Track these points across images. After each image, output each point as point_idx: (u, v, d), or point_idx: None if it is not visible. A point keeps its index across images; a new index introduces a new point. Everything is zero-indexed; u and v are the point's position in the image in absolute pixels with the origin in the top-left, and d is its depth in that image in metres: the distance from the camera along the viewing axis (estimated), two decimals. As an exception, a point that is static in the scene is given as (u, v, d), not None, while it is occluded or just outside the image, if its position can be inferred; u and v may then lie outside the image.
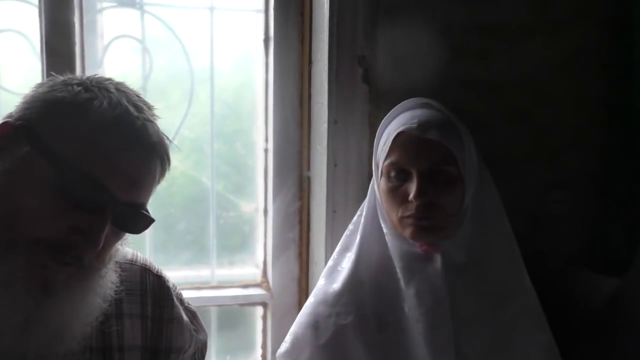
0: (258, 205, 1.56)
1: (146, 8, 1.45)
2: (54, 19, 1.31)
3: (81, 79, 0.82)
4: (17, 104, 0.81)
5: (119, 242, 0.83)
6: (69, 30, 1.32)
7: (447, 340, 1.13)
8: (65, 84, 0.80)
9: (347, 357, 1.16)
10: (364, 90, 1.38)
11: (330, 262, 1.27)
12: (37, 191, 0.74)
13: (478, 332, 1.15)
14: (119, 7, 1.43)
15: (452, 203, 1.14)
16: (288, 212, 1.50)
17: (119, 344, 0.89)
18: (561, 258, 1.51)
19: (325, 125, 1.38)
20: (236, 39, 1.53)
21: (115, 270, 0.85)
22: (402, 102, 1.21)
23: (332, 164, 1.38)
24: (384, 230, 1.20)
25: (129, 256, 0.95)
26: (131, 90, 0.84)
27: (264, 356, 1.56)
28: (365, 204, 1.25)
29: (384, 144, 1.16)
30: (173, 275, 1.02)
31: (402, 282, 1.16)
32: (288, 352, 1.20)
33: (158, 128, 0.83)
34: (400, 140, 1.13)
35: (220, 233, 1.55)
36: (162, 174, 0.84)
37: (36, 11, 1.32)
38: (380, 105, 1.37)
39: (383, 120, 1.22)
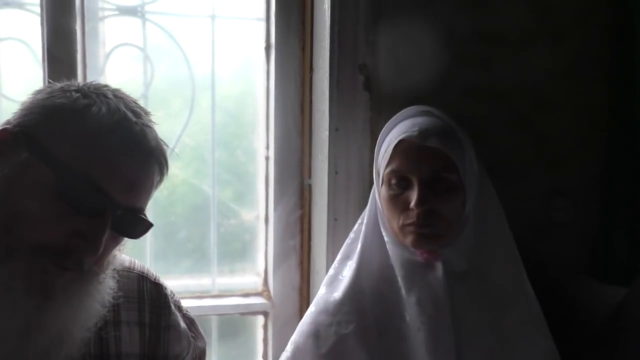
0: (259, 213, 1.56)
1: (148, 16, 1.45)
2: (56, 27, 1.31)
3: (79, 85, 0.82)
4: (15, 111, 0.81)
5: (117, 248, 0.84)
6: (71, 38, 1.33)
7: (449, 348, 1.12)
8: (64, 90, 0.81)
9: (349, 366, 1.15)
10: (365, 97, 1.38)
11: (331, 271, 1.26)
12: (37, 196, 0.75)
13: (480, 340, 1.15)
14: (121, 15, 1.44)
15: (453, 211, 1.13)
16: (289, 220, 1.49)
17: (117, 352, 0.89)
18: (563, 266, 1.50)
19: (327, 133, 1.38)
20: (237, 46, 1.54)
21: (113, 277, 0.85)
22: (403, 110, 1.21)
23: (333, 171, 1.38)
24: (385, 238, 1.19)
25: (127, 263, 0.95)
26: (128, 96, 0.84)
27: (264, 365, 1.55)
28: (366, 212, 1.25)
29: (385, 152, 1.16)
30: (173, 283, 1.02)
31: (403, 291, 1.16)
32: (289, 362, 1.19)
33: (156, 133, 0.83)
34: (401, 148, 1.13)
35: (221, 241, 1.55)
36: (161, 179, 0.84)
37: (38, 19, 1.32)
38: (381, 112, 1.37)
39: (384, 128, 1.22)
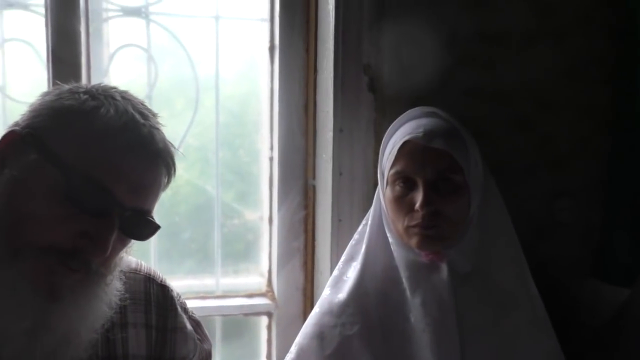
0: (263, 213, 1.56)
1: (152, 17, 1.45)
2: (60, 28, 1.31)
3: (87, 87, 0.83)
4: (24, 113, 0.81)
5: (124, 250, 0.84)
6: (75, 39, 1.33)
7: (454, 350, 1.12)
8: (72, 92, 0.81)
9: (353, 367, 1.16)
10: (369, 98, 1.38)
11: (335, 272, 1.26)
12: (44, 198, 0.75)
13: (484, 341, 1.15)
14: (125, 16, 1.44)
15: (458, 212, 1.13)
16: (293, 221, 1.50)
17: (124, 353, 0.90)
18: (566, 266, 1.50)
19: (331, 134, 1.38)
20: (241, 47, 1.54)
21: (120, 279, 0.86)
22: (408, 111, 1.21)
23: (337, 172, 1.38)
24: (390, 239, 1.19)
25: (133, 265, 0.95)
26: (136, 98, 0.85)
27: (268, 366, 1.56)
28: (371, 213, 1.25)
29: (390, 153, 1.16)
30: (177, 284, 1.02)
31: (408, 292, 1.16)
32: (293, 363, 1.20)
33: (164, 135, 0.84)
34: (405, 149, 1.13)
35: (225, 242, 1.55)
36: (168, 180, 0.85)
37: (42, 20, 1.32)
38: (385, 113, 1.37)
39: (388, 129, 1.22)
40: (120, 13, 1.44)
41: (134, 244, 0.86)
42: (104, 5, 1.42)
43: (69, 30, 1.32)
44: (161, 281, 0.97)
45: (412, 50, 1.38)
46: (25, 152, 0.76)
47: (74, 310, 0.77)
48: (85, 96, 0.80)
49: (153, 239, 1.47)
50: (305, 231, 1.50)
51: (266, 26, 1.50)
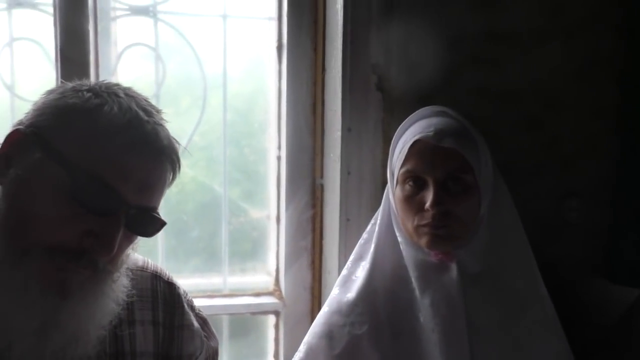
0: (270, 212, 1.56)
1: (159, 16, 1.45)
2: (69, 27, 1.32)
3: (90, 85, 0.82)
4: (27, 111, 0.81)
5: (131, 247, 0.84)
6: (83, 38, 1.33)
7: (463, 350, 1.12)
8: (75, 90, 0.81)
9: (362, 366, 1.16)
10: (377, 97, 1.38)
11: (344, 271, 1.26)
12: (50, 197, 0.75)
13: (494, 342, 1.15)
14: (133, 15, 1.44)
15: (468, 211, 1.13)
16: (301, 220, 1.50)
17: (132, 350, 0.90)
18: (575, 266, 1.50)
19: (339, 133, 1.38)
20: (248, 46, 1.53)
21: (127, 275, 0.86)
22: (418, 110, 1.21)
23: (345, 171, 1.38)
24: (399, 239, 1.19)
25: (140, 263, 0.95)
26: (140, 95, 0.84)
27: (276, 365, 1.56)
28: (380, 212, 1.25)
29: (400, 152, 1.16)
30: (184, 282, 1.02)
31: (417, 292, 1.16)
32: (302, 362, 1.20)
33: (168, 132, 0.83)
34: (416, 149, 1.13)
35: (232, 240, 1.55)
36: (173, 177, 0.84)
37: (51, 19, 1.33)
38: (394, 112, 1.37)
39: (398, 129, 1.21)
40: (128, 12, 1.44)
41: (141, 243, 0.86)
42: (112, 4, 1.42)
43: (77, 30, 1.32)
44: (168, 279, 0.97)
45: (420, 49, 1.38)
46: (29, 152, 0.76)
47: (82, 309, 0.77)
48: (89, 94, 0.79)
49: (160, 238, 1.48)
50: (313, 230, 1.50)
51: (274, 25, 1.50)
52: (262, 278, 1.58)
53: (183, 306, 0.97)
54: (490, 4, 1.43)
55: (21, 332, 0.75)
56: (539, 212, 1.47)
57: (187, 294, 1.00)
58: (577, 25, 1.49)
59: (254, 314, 1.54)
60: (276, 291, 1.55)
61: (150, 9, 1.45)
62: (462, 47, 1.41)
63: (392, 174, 1.19)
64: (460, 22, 1.41)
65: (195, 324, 0.98)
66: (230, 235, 1.54)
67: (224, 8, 1.49)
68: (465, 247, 1.15)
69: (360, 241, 1.27)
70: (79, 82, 0.83)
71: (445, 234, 1.12)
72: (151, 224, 0.82)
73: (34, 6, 1.38)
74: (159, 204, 0.83)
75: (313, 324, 1.23)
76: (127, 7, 1.43)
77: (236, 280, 1.56)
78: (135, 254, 0.92)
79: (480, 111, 1.39)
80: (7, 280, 0.74)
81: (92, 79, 1.34)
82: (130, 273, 0.88)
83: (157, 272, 0.96)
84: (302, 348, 1.21)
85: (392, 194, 1.19)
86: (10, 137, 0.79)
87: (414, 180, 1.13)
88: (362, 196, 1.38)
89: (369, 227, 1.27)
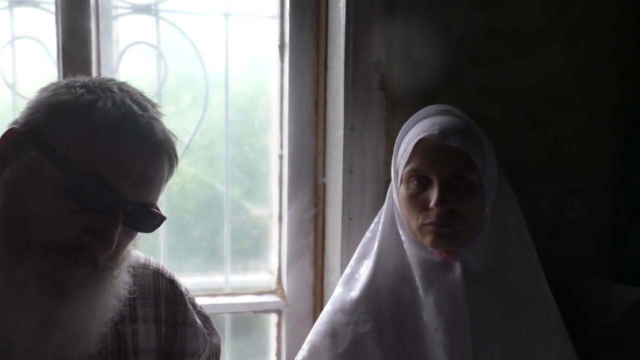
0: (272, 211, 1.56)
1: (161, 14, 1.45)
2: (70, 26, 1.31)
3: (84, 81, 0.81)
4: (22, 110, 0.81)
5: (131, 243, 0.83)
6: (85, 36, 1.33)
7: (466, 349, 1.12)
8: (68, 86, 0.80)
9: (366, 365, 1.15)
10: (380, 96, 1.38)
11: (347, 270, 1.26)
12: (46, 195, 0.74)
13: (497, 341, 1.15)
14: (135, 13, 1.44)
15: (473, 211, 1.13)
16: (303, 219, 1.49)
17: (134, 348, 0.89)
18: (578, 266, 1.50)
19: (341, 132, 1.38)
20: (251, 45, 1.53)
21: (129, 272, 0.85)
22: (423, 109, 1.21)
23: (347, 170, 1.38)
24: (403, 237, 1.19)
25: (142, 260, 0.95)
26: (134, 89, 0.83)
27: (278, 364, 1.56)
28: (383, 211, 1.25)
29: (404, 151, 1.15)
30: (186, 281, 1.02)
31: (420, 291, 1.16)
32: (305, 361, 1.20)
33: (163, 125, 0.82)
34: (421, 147, 1.13)
35: (234, 239, 1.55)
36: (170, 171, 0.83)
37: (53, 18, 1.32)
38: (396, 111, 1.37)
39: (403, 127, 1.21)
40: (130, 10, 1.44)
41: (143, 241, 0.86)
42: (114, 2, 1.42)
43: (79, 28, 1.32)
44: (170, 276, 0.97)
45: (423, 48, 1.38)
46: (25, 150, 0.76)
47: (83, 306, 0.77)
48: (82, 90, 0.79)
49: (162, 236, 1.48)
50: (315, 229, 1.50)
51: (276, 24, 1.50)
52: (264, 277, 1.58)
53: (186, 303, 0.97)
54: (492, 3, 1.43)
55: (21, 331, 0.75)
56: (542, 211, 1.47)
57: (188, 292, 0.99)
58: (579, 25, 1.49)
59: (256, 312, 1.54)
60: (278, 290, 1.55)
61: (152, 7, 1.45)
62: (464, 46, 1.41)
63: (397, 173, 1.19)
64: (463, 21, 1.41)
65: (198, 321, 0.98)
66: (232, 234, 1.54)
67: (225, 6, 1.49)
68: (469, 246, 1.15)
69: (364, 240, 1.27)
70: (72, 79, 0.82)
71: (449, 233, 1.11)
72: (150, 220, 0.81)
73: (35, 4, 1.38)
74: (157, 198, 0.82)
75: (316, 322, 1.23)
76: (129, 5, 1.43)
77: (238, 278, 1.56)
78: (137, 251, 0.92)
79: (482, 110, 1.38)
80: (6, 280, 0.74)
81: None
82: (132, 270, 0.87)
83: (159, 270, 0.96)
84: (306, 346, 1.21)
85: (396, 193, 1.19)
86: (5, 136, 0.78)
87: (419, 179, 1.13)
88: (365, 195, 1.38)
89: (372, 225, 1.27)
